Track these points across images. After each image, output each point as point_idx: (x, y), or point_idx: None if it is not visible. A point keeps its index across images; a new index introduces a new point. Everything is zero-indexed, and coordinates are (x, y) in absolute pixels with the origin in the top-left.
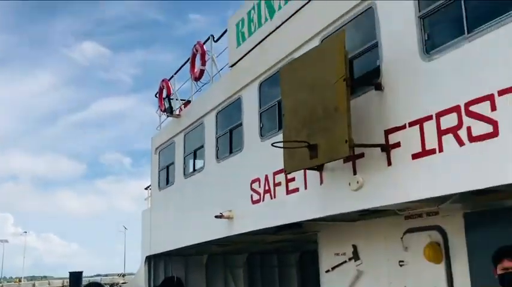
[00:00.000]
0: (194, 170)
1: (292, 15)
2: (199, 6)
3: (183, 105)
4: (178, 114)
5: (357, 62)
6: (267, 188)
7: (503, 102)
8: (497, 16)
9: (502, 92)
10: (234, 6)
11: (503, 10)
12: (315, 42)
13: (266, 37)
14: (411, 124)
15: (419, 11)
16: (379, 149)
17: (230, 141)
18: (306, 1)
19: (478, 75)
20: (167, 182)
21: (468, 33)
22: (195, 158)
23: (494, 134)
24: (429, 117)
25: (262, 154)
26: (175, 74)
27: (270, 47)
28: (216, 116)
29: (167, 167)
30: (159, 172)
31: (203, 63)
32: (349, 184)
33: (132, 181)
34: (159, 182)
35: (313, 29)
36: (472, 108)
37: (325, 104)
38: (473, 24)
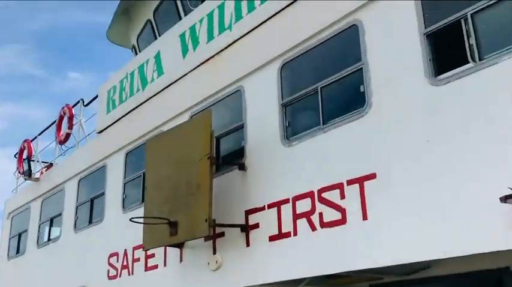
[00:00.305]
0: (49, 239)
1: (165, 88)
2: (79, 64)
3: (44, 169)
4: (37, 178)
5: (224, 140)
6: (125, 263)
7: (351, 191)
8: (349, 111)
9: (350, 182)
10: (116, 68)
11: (353, 107)
12: (185, 117)
13: (137, 107)
14: (270, 206)
15: (282, 99)
16: (239, 229)
17: (90, 210)
18: (180, 76)
19: (330, 164)
20: (17, 251)
21: (323, 124)
22: (51, 226)
23: (343, 221)
24: (286, 201)
25: (123, 227)
26: (39, 135)
27: (140, 117)
28: (78, 183)
29: (19, 235)
30: (9, 239)
31: (70, 126)
32: (208, 264)
33: None
34: (8, 251)
35: (183, 105)
36: (324, 195)
37: (188, 180)
38: (328, 116)
